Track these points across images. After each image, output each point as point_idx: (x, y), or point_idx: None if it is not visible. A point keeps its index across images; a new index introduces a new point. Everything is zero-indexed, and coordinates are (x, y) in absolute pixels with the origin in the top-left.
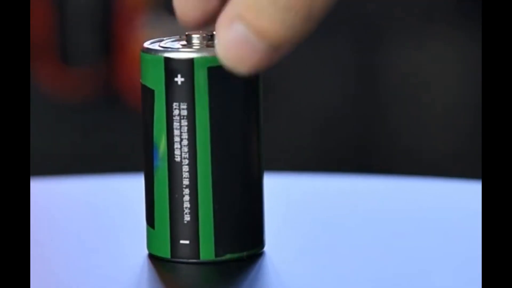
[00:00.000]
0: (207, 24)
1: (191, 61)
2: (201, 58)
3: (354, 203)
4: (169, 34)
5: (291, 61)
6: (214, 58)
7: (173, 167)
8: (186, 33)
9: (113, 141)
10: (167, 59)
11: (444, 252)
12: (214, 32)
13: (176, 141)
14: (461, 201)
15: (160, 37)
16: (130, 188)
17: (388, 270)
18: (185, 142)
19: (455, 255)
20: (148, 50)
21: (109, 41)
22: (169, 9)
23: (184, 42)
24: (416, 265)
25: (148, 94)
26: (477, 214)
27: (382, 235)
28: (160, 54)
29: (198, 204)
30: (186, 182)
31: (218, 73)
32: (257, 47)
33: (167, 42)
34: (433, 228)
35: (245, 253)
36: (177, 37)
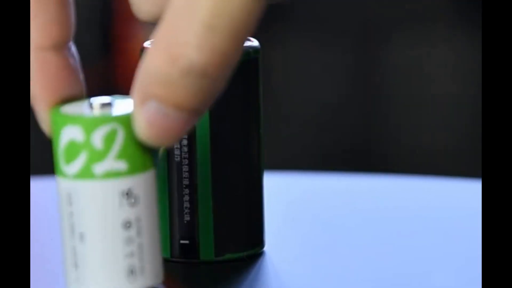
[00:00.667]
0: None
1: None
2: None
3: (354, 202)
4: None
5: (291, 61)
6: None
7: (172, 167)
8: None
9: None
10: None
11: (444, 251)
12: None
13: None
14: (460, 199)
15: None
16: None
17: (389, 270)
18: (184, 142)
19: (455, 254)
20: None
21: (109, 40)
22: None
23: None
24: (416, 264)
25: None
26: (477, 213)
27: (382, 234)
28: None
29: (198, 204)
30: (186, 182)
31: None
32: (176, 119)
33: None
34: (433, 227)
35: (245, 253)
36: None
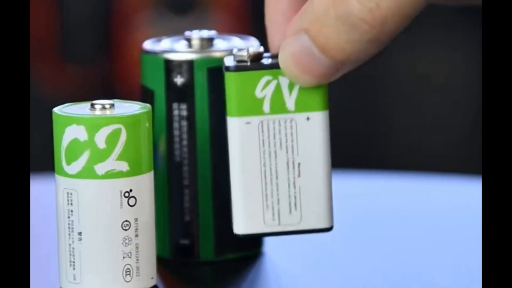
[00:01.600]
0: None
1: (191, 62)
2: (201, 59)
3: (354, 202)
4: (170, 33)
5: None
6: (214, 59)
7: (173, 167)
8: (186, 34)
9: None
10: (167, 60)
11: (444, 250)
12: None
13: (176, 141)
14: (461, 197)
15: (160, 36)
16: None
17: (389, 270)
18: (185, 142)
19: (455, 253)
20: (148, 51)
21: (108, 40)
22: (171, 7)
23: (184, 42)
24: (416, 263)
25: (148, 94)
26: (478, 211)
27: (383, 233)
28: (160, 55)
29: (198, 204)
30: (186, 182)
31: (218, 74)
32: (319, 61)
33: (166, 42)
34: (434, 225)
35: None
36: (177, 36)
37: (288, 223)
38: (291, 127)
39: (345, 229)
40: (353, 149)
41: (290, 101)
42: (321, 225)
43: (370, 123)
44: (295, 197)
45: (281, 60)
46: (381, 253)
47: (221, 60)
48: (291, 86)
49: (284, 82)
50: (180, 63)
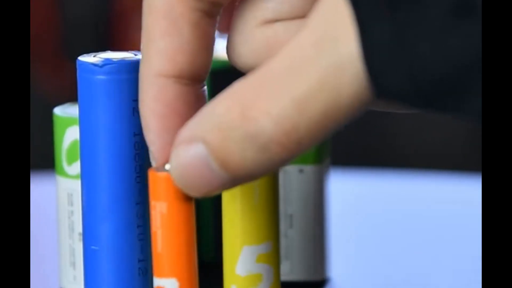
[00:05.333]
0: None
1: None
2: None
3: (354, 201)
4: None
5: None
6: (215, 60)
7: None
8: None
9: None
10: None
11: (444, 248)
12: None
13: None
14: (460, 196)
15: None
16: None
17: (389, 270)
18: None
19: (455, 251)
20: None
21: (109, 39)
22: None
23: None
24: (416, 262)
25: None
26: (478, 210)
27: (382, 232)
28: None
29: (198, 204)
30: None
31: (217, 75)
32: (216, 175)
33: None
34: (433, 224)
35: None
36: None
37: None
38: (284, 179)
39: (345, 228)
40: (353, 149)
41: None
42: (311, 278)
43: (370, 123)
44: (286, 247)
45: (172, 169)
46: (382, 252)
47: (221, 61)
48: None
49: None
50: None
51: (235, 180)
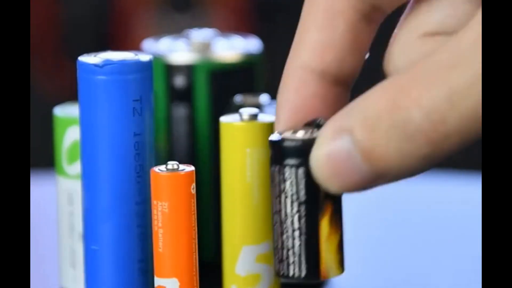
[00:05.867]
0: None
1: (191, 63)
2: (201, 60)
3: (354, 201)
4: (171, 30)
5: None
6: (214, 60)
7: None
8: (186, 32)
9: None
10: (167, 61)
11: (445, 248)
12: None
13: (176, 142)
14: (460, 194)
15: (161, 34)
16: None
17: (389, 269)
18: (185, 142)
19: (455, 252)
20: (148, 52)
21: (109, 38)
22: (172, 4)
23: (184, 41)
24: (417, 261)
25: None
26: (478, 209)
27: (382, 232)
28: (160, 56)
29: (199, 204)
30: None
31: (218, 75)
32: (358, 168)
33: (166, 41)
34: (433, 222)
35: None
36: (177, 35)
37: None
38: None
39: (344, 229)
40: None
41: None
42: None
43: None
44: None
45: (314, 159)
46: (383, 252)
47: (221, 62)
48: None
49: None
50: (181, 65)
51: (378, 176)
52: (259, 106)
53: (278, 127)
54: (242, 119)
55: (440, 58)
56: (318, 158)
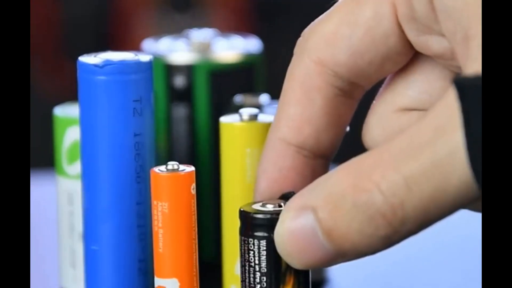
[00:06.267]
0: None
1: (191, 63)
2: (201, 60)
3: None
4: (171, 30)
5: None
6: (214, 60)
7: None
8: (186, 32)
9: None
10: (167, 61)
11: (444, 248)
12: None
13: (176, 142)
14: None
15: (161, 34)
16: None
17: (389, 269)
18: (185, 142)
19: (455, 252)
20: (148, 52)
21: (109, 38)
22: (172, 4)
23: (184, 41)
24: (416, 263)
25: None
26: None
27: None
28: (160, 56)
29: (198, 204)
30: None
31: (218, 75)
32: (320, 246)
33: (166, 41)
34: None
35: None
36: (176, 35)
37: None
38: None
39: None
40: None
41: None
42: (310, 277)
43: None
44: None
45: (277, 234)
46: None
47: (221, 62)
48: None
49: None
50: (181, 65)
51: (338, 254)
52: (259, 106)
53: (256, 197)
54: (242, 119)
55: (400, 144)
56: (281, 233)
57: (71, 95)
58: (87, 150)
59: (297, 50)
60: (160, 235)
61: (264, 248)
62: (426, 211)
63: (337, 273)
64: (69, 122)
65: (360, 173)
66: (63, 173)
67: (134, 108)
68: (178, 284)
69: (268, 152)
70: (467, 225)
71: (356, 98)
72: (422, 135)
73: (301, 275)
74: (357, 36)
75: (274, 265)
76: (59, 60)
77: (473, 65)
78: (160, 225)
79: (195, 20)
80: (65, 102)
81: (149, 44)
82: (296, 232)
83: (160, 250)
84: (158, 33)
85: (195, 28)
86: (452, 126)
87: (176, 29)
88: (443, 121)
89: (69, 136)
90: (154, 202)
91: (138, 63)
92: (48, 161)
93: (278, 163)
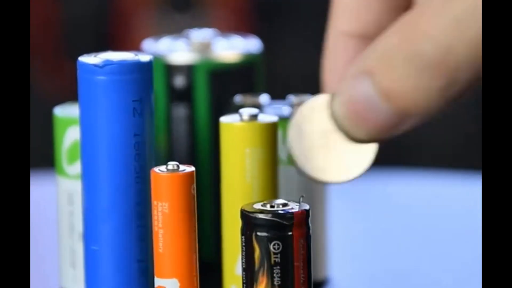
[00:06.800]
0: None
1: (191, 63)
2: (201, 60)
3: (354, 201)
4: (171, 30)
5: (291, 58)
6: (214, 60)
7: None
8: (186, 32)
9: None
10: (167, 61)
11: (445, 248)
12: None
13: (176, 142)
14: (460, 194)
15: (161, 34)
16: None
17: (389, 269)
18: (185, 142)
19: (455, 252)
20: (148, 52)
21: (109, 38)
22: (172, 4)
23: (184, 41)
24: (417, 259)
25: None
26: (477, 208)
27: (382, 232)
28: (160, 56)
29: (198, 204)
30: None
31: (218, 75)
32: (380, 110)
33: (166, 42)
34: (433, 224)
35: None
36: (176, 35)
37: None
38: (284, 179)
39: (346, 227)
40: None
41: None
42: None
43: None
44: None
45: (335, 107)
46: (383, 251)
47: (221, 62)
48: None
49: None
50: (181, 65)
51: (401, 115)
52: (259, 106)
53: (325, 91)
54: (242, 119)
55: None
56: (341, 105)
57: (71, 95)
58: (87, 150)
59: None
60: (160, 235)
61: (244, 244)
62: (477, 53)
63: (337, 273)
64: (69, 122)
65: (407, 25)
66: (63, 173)
67: (134, 108)
68: (178, 284)
69: (331, 47)
70: (468, 225)
71: None
72: None
73: (276, 277)
74: None
75: (250, 263)
76: (59, 60)
77: None
78: (160, 225)
79: (195, 20)
80: (65, 102)
81: (149, 44)
82: (355, 100)
83: (160, 250)
84: (158, 33)
85: (195, 28)
86: None
87: (176, 29)
88: None
89: (69, 136)
90: (154, 202)
91: (138, 63)
92: (48, 161)
93: (342, 58)
